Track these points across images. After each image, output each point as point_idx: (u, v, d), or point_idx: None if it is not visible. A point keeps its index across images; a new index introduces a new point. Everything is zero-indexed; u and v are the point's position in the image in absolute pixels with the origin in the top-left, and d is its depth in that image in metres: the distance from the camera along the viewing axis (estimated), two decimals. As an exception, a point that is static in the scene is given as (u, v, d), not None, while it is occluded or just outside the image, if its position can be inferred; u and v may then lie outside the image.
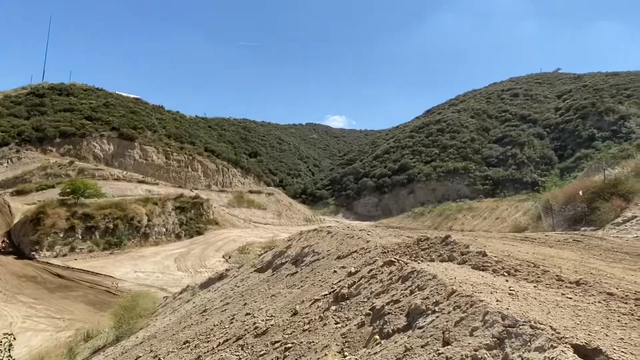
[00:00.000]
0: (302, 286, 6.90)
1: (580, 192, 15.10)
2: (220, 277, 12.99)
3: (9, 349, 9.09)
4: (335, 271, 6.78)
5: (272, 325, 5.42)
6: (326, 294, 5.67)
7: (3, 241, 28.45)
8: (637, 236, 10.74)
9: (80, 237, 28.82)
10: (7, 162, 44.91)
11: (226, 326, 6.56)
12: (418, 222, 53.99)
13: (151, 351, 7.25)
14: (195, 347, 6.21)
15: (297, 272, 8.14)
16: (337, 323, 4.54)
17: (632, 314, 3.18)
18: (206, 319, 7.95)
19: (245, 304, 7.66)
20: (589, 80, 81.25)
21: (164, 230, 32.39)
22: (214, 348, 5.65)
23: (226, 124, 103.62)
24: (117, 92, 71.65)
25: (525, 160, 63.98)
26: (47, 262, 25.93)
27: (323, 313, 5.01)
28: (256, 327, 5.54)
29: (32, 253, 26.94)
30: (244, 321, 6.25)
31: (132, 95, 74.46)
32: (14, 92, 59.93)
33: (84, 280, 23.18)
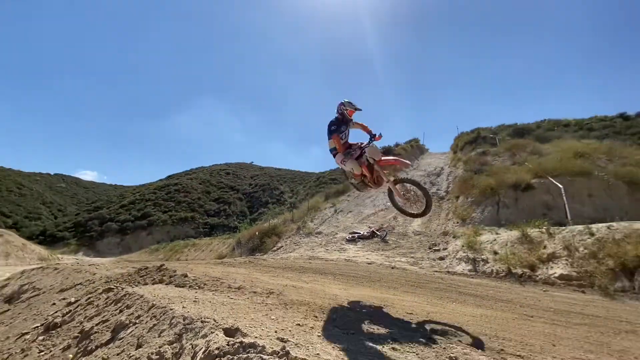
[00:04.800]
0: (10, 323, 4.69)
1: (257, 233, 16.55)
2: None
3: None
4: (54, 303, 4.96)
5: (-44, 370, 3.43)
6: (37, 326, 4.04)
7: None
8: (282, 257, 12.19)
9: None
10: None
11: None
12: (153, 256, 46.87)
13: None
14: None
15: (9, 309, 5.51)
16: (40, 351, 3.25)
17: (263, 303, 3.54)
18: None
19: None
20: (267, 170, 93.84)
21: None
22: None
23: (-49, 166, 66.33)
24: None
25: (231, 213, 66.54)
26: None
27: (27, 345, 3.52)
28: None
29: None
30: None
31: None
32: None
33: None
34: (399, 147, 28.26)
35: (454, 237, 9.98)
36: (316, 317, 3.06)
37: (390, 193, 4.75)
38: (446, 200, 13.94)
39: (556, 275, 6.65)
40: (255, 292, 3.99)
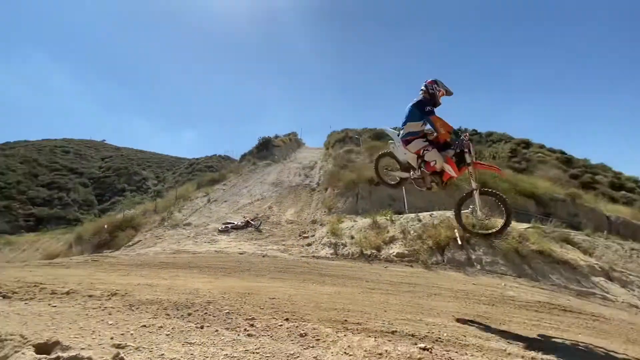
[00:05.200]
0: None
1: (105, 226, 14.09)
2: None
3: None
4: None
5: None
6: None
7: None
8: (138, 253, 10.82)
9: None
10: None
11: None
12: None
13: None
14: None
15: None
16: None
17: (100, 307, 3.01)
18: None
19: None
20: (125, 152, 79.65)
21: None
22: None
23: None
24: None
25: (70, 202, 53.36)
26: None
27: None
28: None
29: None
30: None
31: None
32: None
33: None
34: (279, 139, 28.88)
35: (321, 225, 10.98)
36: (168, 315, 2.82)
37: (461, 202, 4.04)
38: (317, 192, 15.14)
39: (394, 253, 8.21)
40: (91, 296, 3.35)
